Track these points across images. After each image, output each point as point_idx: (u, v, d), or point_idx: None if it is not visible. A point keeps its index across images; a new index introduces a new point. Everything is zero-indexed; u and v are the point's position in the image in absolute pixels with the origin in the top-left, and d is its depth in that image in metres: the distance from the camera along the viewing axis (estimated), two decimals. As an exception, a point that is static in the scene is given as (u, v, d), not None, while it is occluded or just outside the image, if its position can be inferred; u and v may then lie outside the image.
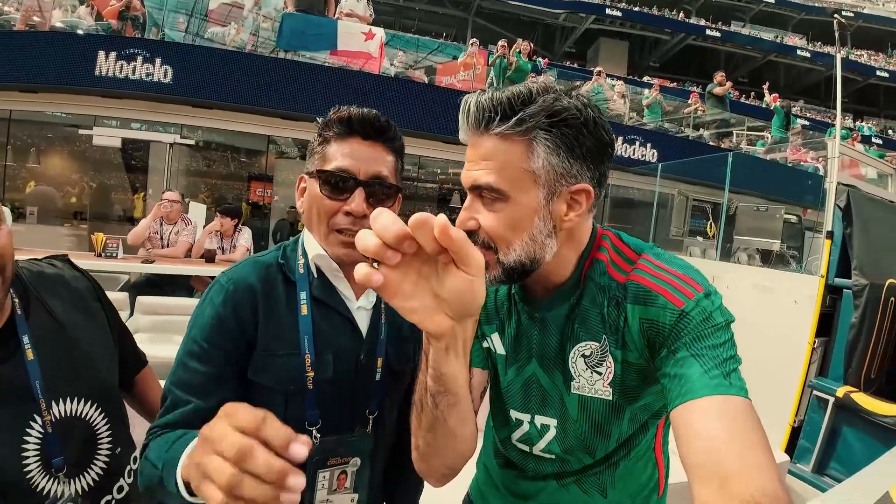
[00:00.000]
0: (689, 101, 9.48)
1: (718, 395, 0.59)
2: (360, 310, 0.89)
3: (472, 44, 8.14)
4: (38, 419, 0.77)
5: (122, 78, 5.46)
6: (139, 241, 4.10)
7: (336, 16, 5.53)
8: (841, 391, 2.81)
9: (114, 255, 3.97)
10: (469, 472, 1.02)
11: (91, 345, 0.90)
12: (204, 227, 4.54)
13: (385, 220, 0.44)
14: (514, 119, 0.66)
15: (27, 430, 0.76)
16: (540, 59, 15.42)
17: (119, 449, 0.90)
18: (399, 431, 0.97)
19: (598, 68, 9.38)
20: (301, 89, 5.57)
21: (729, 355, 0.63)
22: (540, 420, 0.82)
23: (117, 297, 3.40)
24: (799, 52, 24.85)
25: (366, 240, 0.44)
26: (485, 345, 0.86)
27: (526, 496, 0.88)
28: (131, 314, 3.35)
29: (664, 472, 0.89)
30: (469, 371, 0.73)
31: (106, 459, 0.88)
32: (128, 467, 0.93)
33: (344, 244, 0.82)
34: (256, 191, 7.90)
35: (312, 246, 0.87)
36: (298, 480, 0.42)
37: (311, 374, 0.81)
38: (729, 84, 9.40)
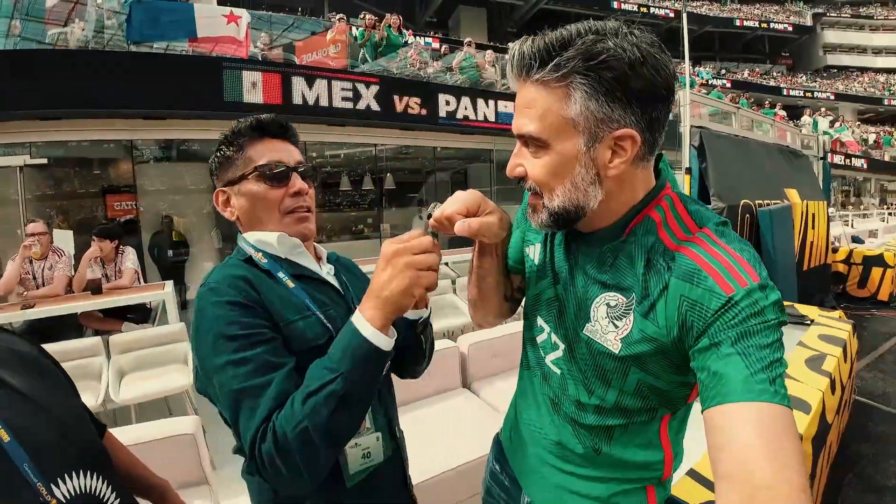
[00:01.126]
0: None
1: (762, 402, 0.57)
2: (328, 275, 0.99)
3: (338, 18, 7.85)
4: None
5: None
6: (11, 288, 3.50)
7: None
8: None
9: (-23, 305, 3.34)
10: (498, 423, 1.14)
11: (63, 408, 0.79)
12: (73, 255, 3.97)
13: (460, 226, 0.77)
14: (551, 65, 0.65)
15: None
16: (405, 30, 15.32)
17: None
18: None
19: (467, 39, 9.60)
20: (162, 84, 5.00)
21: (776, 358, 0.60)
22: (554, 337, 0.86)
23: (91, 342, 3.06)
24: (641, 7, 27.50)
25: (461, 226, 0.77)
26: (528, 251, 0.94)
27: (539, 426, 0.91)
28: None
29: (672, 462, 0.84)
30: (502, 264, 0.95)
31: None
32: None
33: (300, 220, 0.94)
34: (114, 205, 6.86)
35: (261, 239, 0.92)
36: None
37: (330, 327, 0.88)
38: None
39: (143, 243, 6.78)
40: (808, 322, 3.01)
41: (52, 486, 0.68)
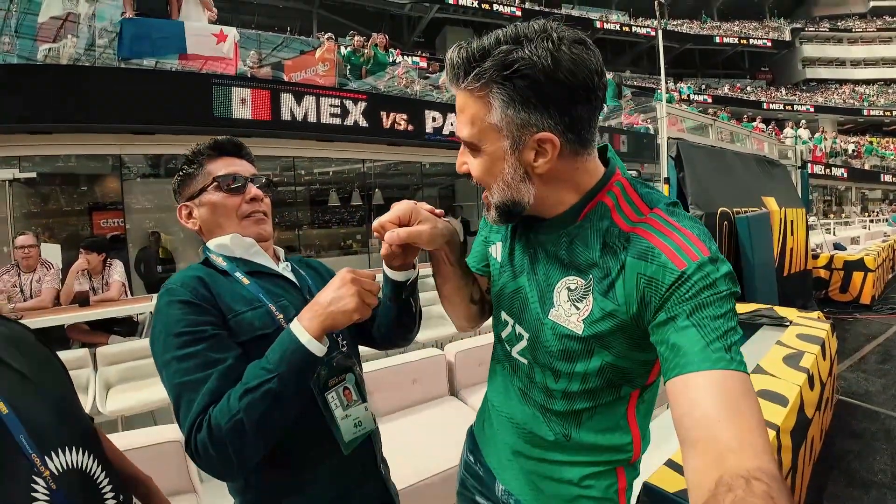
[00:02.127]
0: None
1: (719, 369, 0.59)
2: (284, 271, 1.06)
3: (327, 38, 7.97)
4: (40, 480, 0.71)
5: None
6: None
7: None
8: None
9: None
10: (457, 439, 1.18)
11: (58, 389, 0.85)
12: (61, 269, 3.96)
13: (388, 236, 0.83)
14: (472, 75, 0.69)
15: (32, 494, 0.70)
16: (392, 49, 15.59)
17: (122, 496, 0.86)
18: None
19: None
20: (151, 100, 5.04)
21: (730, 327, 0.63)
22: (518, 328, 0.89)
23: (78, 354, 3.07)
24: (623, 27, 28.19)
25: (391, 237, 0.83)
26: (491, 251, 0.98)
27: (509, 416, 0.94)
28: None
29: (640, 444, 0.87)
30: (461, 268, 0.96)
31: None
32: None
33: (257, 222, 1.04)
34: (100, 223, 6.83)
35: (219, 243, 1.00)
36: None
37: (280, 316, 0.94)
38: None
39: (129, 259, 6.75)
40: (787, 323, 3.08)
41: (46, 459, 0.72)
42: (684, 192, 3.76)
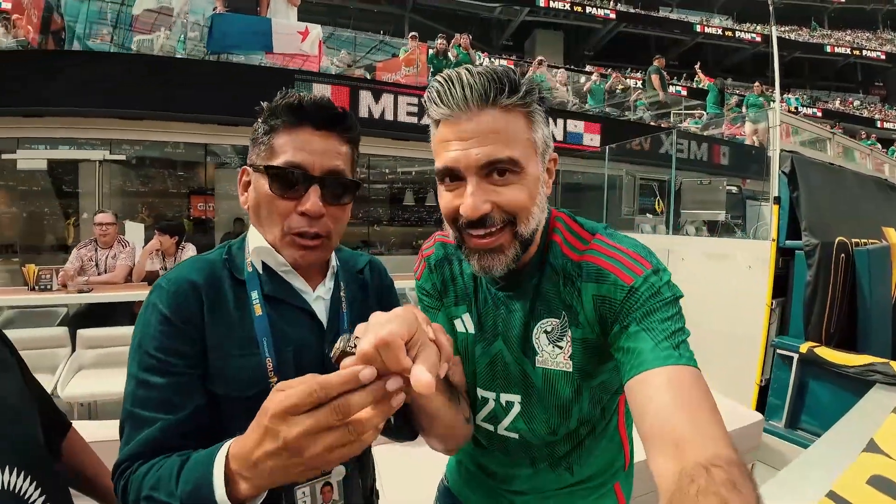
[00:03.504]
0: (630, 85, 9.72)
1: (668, 365, 0.62)
2: (319, 300, 0.82)
3: (411, 37, 8.00)
4: None
5: (45, 94, 4.95)
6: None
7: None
8: (804, 347, 2.92)
9: (48, 287, 3.60)
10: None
11: (7, 398, 0.72)
12: (144, 247, 4.20)
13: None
14: (523, 91, 0.68)
15: None
16: (479, 52, 15.53)
17: None
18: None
19: (539, 58, 9.48)
20: (237, 93, 5.27)
21: (677, 327, 0.66)
22: (505, 397, 0.84)
23: (56, 332, 3.10)
24: (725, 32, 26.31)
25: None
26: (458, 327, 0.88)
27: (502, 479, 0.91)
28: (73, 350, 3.04)
29: (629, 450, 0.93)
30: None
31: None
32: None
33: (302, 249, 0.76)
34: (198, 205, 7.44)
35: (256, 239, 0.79)
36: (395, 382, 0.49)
37: (275, 378, 0.73)
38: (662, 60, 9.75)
39: (215, 243, 7.23)
40: None
41: None
42: (797, 214, 3.18)
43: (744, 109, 9.06)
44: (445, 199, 0.72)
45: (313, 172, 0.74)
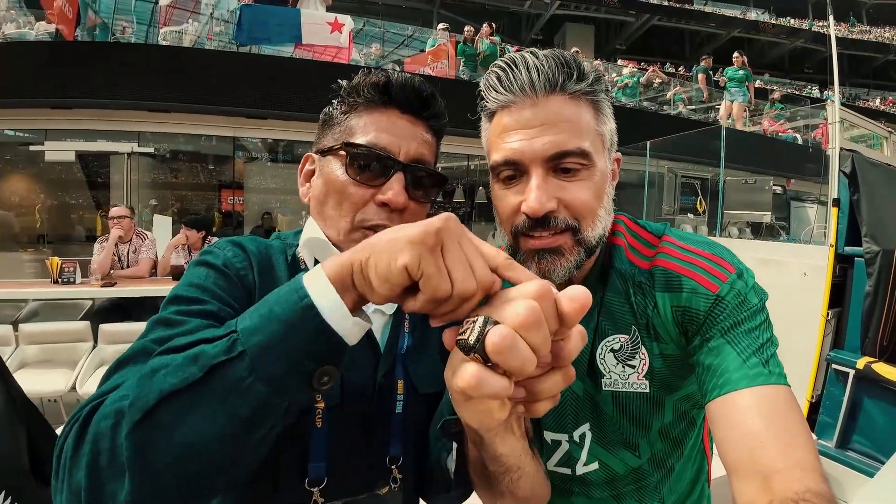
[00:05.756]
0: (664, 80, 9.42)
1: (758, 385, 0.56)
2: (377, 313, 0.68)
3: (443, 28, 7.89)
4: None
5: (73, 86, 5.00)
6: (105, 269, 3.72)
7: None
8: (861, 362, 2.73)
9: (71, 280, 3.60)
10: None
11: None
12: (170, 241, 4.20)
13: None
14: (592, 77, 0.63)
15: None
16: (509, 45, 15.32)
17: None
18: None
19: (573, 49, 9.26)
20: (266, 85, 5.25)
21: (766, 339, 0.60)
22: (577, 433, 0.75)
23: (78, 326, 3.07)
24: (762, 25, 25.38)
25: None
26: None
27: None
28: (95, 345, 3.02)
29: (710, 468, 0.86)
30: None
31: None
32: None
33: None
34: (227, 199, 7.48)
35: (312, 230, 0.68)
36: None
37: (322, 404, 0.59)
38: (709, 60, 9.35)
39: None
40: None
41: None
42: (858, 219, 2.94)
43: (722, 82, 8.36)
44: (503, 197, 0.65)
45: (399, 157, 0.64)
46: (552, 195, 0.61)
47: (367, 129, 0.65)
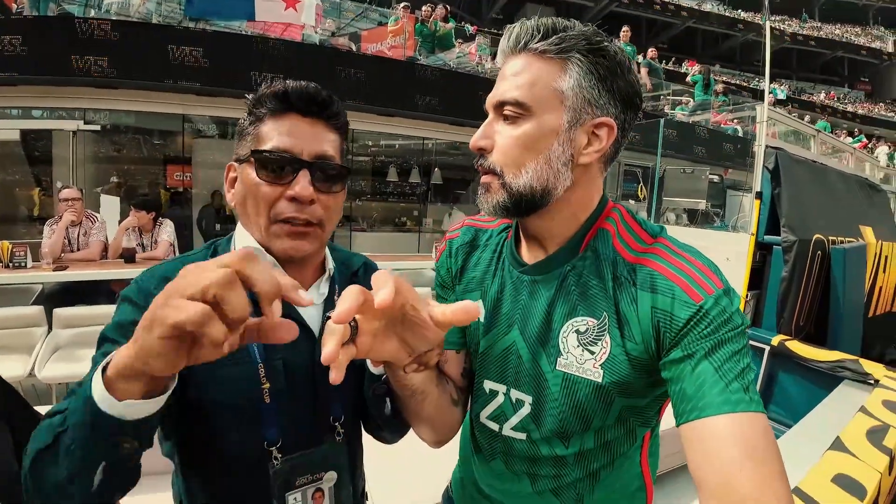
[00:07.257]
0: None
1: (739, 412, 0.57)
2: (308, 310, 0.78)
3: (403, 7, 7.75)
4: None
5: (11, 59, 4.64)
6: (57, 252, 3.58)
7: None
8: (776, 340, 3.01)
9: (22, 264, 3.43)
10: (450, 464, 1.01)
11: None
12: (119, 222, 4.06)
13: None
14: (555, 37, 0.65)
15: None
16: (468, 25, 15.14)
17: None
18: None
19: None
20: (216, 61, 5.05)
21: (746, 364, 0.60)
22: (515, 394, 0.76)
23: (32, 311, 2.99)
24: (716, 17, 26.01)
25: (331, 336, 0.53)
26: None
27: (499, 501, 0.83)
28: (49, 329, 2.95)
29: (652, 489, 0.82)
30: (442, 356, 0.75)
31: None
32: None
33: (291, 235, 0.72)
34: (174, 175, 7.14)
35: (244, 240, 0.76)
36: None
37: (267, 385, 0.72)
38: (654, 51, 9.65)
39: (192, 216, 7.01)
40: (872, 381, 2.58)
41: None
42: (777, 211, 3.25)
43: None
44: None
45: (302, 156, 0.72)
46: (487, 135, 0.69)
47: (271, 134, 0.72)
